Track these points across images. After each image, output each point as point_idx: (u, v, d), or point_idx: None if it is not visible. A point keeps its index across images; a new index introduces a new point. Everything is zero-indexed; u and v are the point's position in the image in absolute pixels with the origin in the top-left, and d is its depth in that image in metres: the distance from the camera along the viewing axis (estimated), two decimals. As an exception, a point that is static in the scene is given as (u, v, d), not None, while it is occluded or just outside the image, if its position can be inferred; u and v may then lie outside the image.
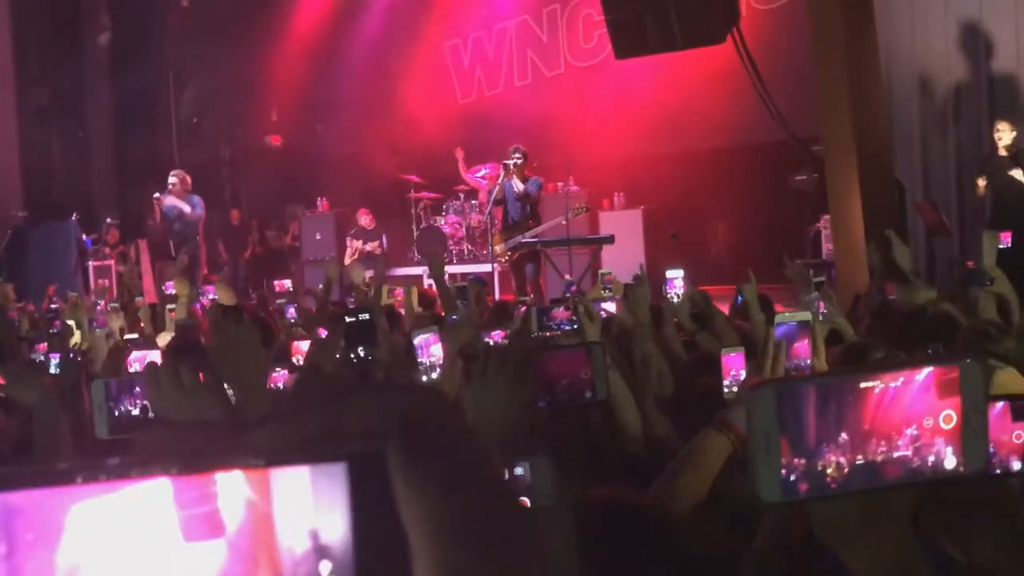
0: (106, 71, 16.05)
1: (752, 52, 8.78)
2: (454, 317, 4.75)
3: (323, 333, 4.43)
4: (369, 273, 10.59)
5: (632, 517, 1.87)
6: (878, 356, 3.30)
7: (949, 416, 1.04)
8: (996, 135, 8.82)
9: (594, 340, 3.18)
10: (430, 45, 15.30)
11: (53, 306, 7.23)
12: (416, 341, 3.54)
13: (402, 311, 5.98)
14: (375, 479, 0.53)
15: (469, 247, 12.75)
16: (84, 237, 12.99)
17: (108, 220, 13.94)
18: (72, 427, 2.73)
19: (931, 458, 1.04)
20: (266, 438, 0.56)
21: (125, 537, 0.52)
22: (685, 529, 1.98)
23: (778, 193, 11.23)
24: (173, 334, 5.51)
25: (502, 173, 10.64)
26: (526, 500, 1.09)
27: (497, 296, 10.53)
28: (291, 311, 5.90)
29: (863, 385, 1.03)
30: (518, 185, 10.49)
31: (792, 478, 1.01)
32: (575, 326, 4.18)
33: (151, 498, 0.52)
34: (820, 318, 3.84)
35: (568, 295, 6.88)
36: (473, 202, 12.96)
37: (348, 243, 13.27)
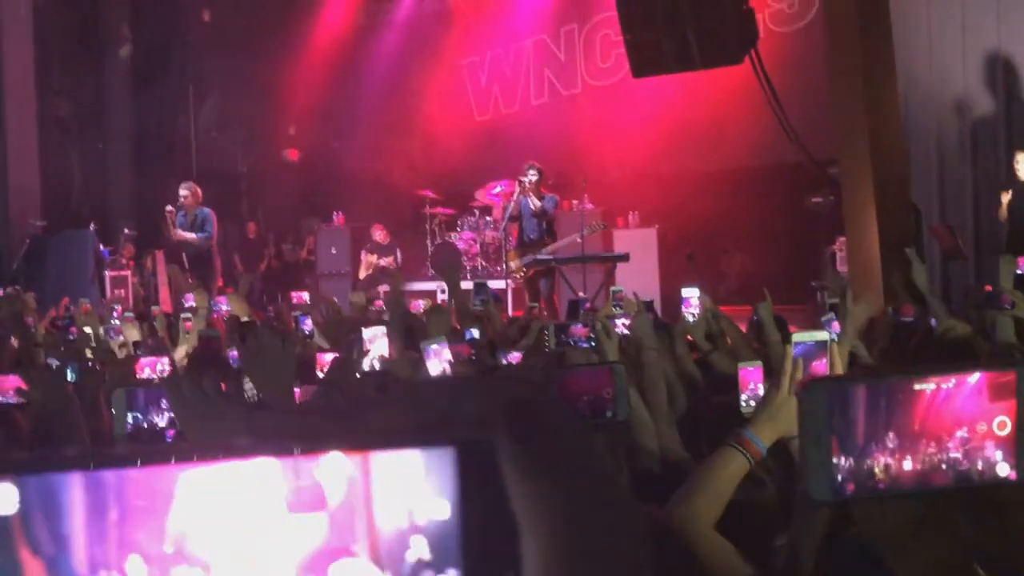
0: (126, 83, 16.15)
1: (769, 73, 8.78)
2: (473, 331, 4.77)
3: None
4: (384, 288, 10.62)
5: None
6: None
7: (1004, 422, 1.03)
8: (1016, 166, 8.82)
9: (617, 360, 3.18)
10: (448, 62, 15.35)
11: (68, 314, 7.25)
12: (429, 350, 3.56)
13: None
14: (482, 464, 0.55)
15: (483, 263, 12.77)
16: (101, 247, 13.04)
17: (125, 231, 14.00)
18: (91, 435, 2.75)
19: (980, 463, 1.03)
20: (378, 422, 0.58)
21: (232, 506, 0.55)
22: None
23: (794, 214, 11.20)
24: (191, 345, 5.52)
25: (517, 190, 10.66)
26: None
27: (510, 312, 10.52)
28: (307, 323, 5.90)
29: (916, 387, 1.02)
30: (534, 202, 10.51)
31: (842, 477, 1.01)
32: (592, 343, 4.17)
33: (258, 470, 0.55)
34: (834, 339, 3.82)
35: (582, 312, 6.88)
36: (487, 219, 12.98)
37: (362, 257, 13.30)
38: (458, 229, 13.24)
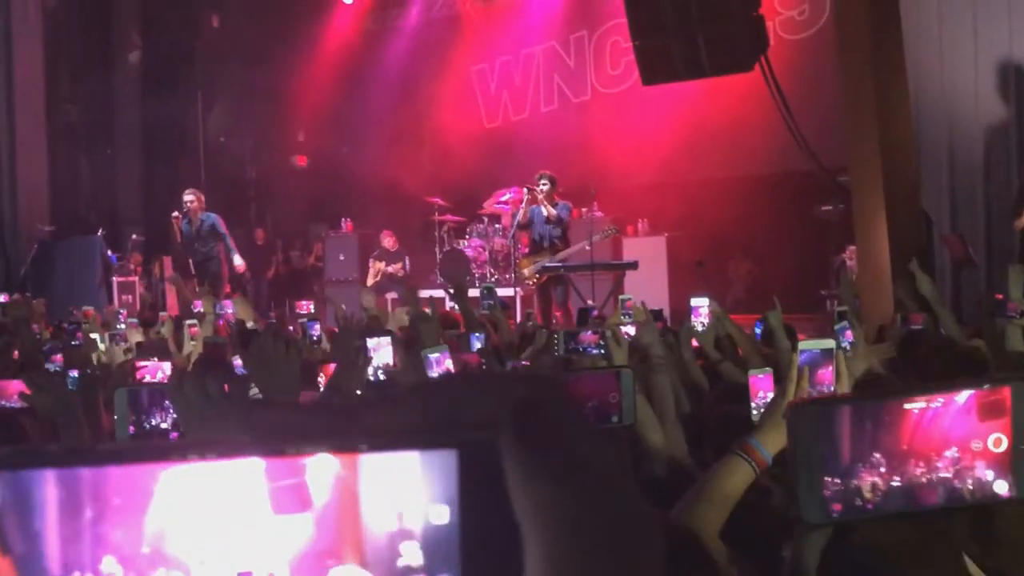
0: (136, 90, 16.22)
1: (779, 81, 8.76)
2: (478, 335, 4.75)
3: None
4: (392, 295, 10.60)
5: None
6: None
7: (999, 440, 1.01)
8: None
9: (624, 364, 3.15)
10: (457, 69, 15.38)
11: (74, 321, 7.26)
12: (431, 358, 3.55)
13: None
14: (485, 468, 0.53)
15: (492, 271, 12.74)
16: (109, 253, 13.08)
17: (133, 237, 14.04)
18: (92, 440, 2.75)
19: (973, 482, 1.01)
20: (379, 423, 0.55)
21: (213, 505, 0.53)
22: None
23: (803, 223, 11.19)
24: (197, 350, 5.52)
25: (526, 197, 10.67)
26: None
27: (519, 320, 10.50)
28: (315, 328, 5.88)
29: (905, 407, 1.00)
30: (548, 210, 10.53)
31: (832, 499, 0.99)
32: (602, 350, 4.15)
33: (242, 469, 0.53)
34: (847, 348, 3.80)
35: (590, 319, 6.87)
36: (496, 226, 12.96)
37: (370, 264, 13.30)
38: (467, 236, 13.22)
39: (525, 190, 10.73)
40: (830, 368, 2.93)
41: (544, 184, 10.46)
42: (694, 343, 4.42)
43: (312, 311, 9.02)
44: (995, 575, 1.39)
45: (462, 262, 12.81)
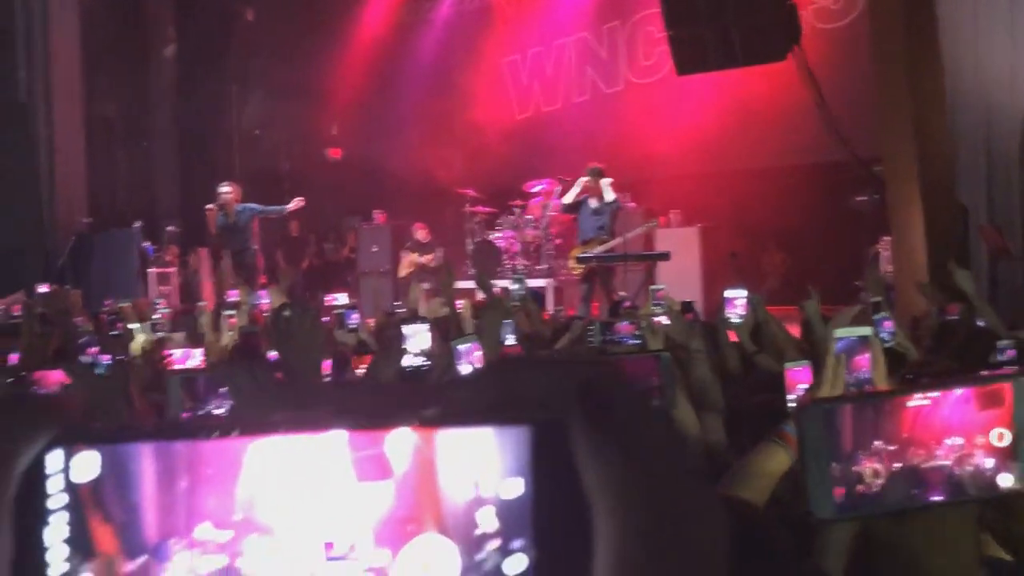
0: (171, 83, 16.34)
1: (813, 70, 8.70)
2: (508, 323, 4.76)
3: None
4: (426, 286, 10.64)
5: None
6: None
7: (1001, 434, 1.03)
8: None
9: (663, 348, 3.16)
10: (489, 61, 15.37)
11: (114, 312, 7.34)
12: (460, 349, 3.57)
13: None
14: (556, 444, 0.55)
15: (524, 262, 12.75)
16: (146, 244, 13.20)
17: (169, 228, 14.16)
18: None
19: (977, 475, 1.02)
20: (450, 400, 0.58)
21: (300, 473, 0.56)
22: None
23: (837, 213, 11.11)
24: (233, 339, 5.58)
25: (579, 183, 10.65)
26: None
27: (551, 312, 10.52)
28: (353, 317, 5.90)
29: (909, 404, 1.02)
30: (600, 198, 10.53)
31: (842, 495, 1.01)
32: (638, 340, 4.16)
33: (326, 440, 0.56)
34: (887, 338, 3.80)
35: (622, 310, 6.87)
36: (528, 217, 12.96)
37: (403, 256, 13.34)
38: (498, 228, 13.23)
39: (558, 181, 10.72)
40: (867, 355, 2.92)
41: (594, 175, 10.49)
42: (730, 335, 4.42)
43: (342, 301, 9.05)
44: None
45: (493, 254, 12.82)
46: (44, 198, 13.57)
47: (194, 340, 5.81)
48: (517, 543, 0.55)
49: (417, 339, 4.41)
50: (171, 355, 4.74)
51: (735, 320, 4.78)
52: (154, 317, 7.05)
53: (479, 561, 0.56)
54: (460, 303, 6.60)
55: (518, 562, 0.55)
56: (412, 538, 0.56)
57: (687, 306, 6.04)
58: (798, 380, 3.00)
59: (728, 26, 8.19)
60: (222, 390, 2.11)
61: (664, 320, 5.39)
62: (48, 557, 0.54)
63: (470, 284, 12.36)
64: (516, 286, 6.67)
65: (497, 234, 13.09)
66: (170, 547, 0.56)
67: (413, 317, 5.35)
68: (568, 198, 10.79)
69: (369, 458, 0.56)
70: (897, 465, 1.05)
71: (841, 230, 11.06)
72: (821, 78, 8.87)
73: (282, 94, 15.79)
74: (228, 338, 5.86)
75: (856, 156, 9.35)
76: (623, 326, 4.61)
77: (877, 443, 1.04)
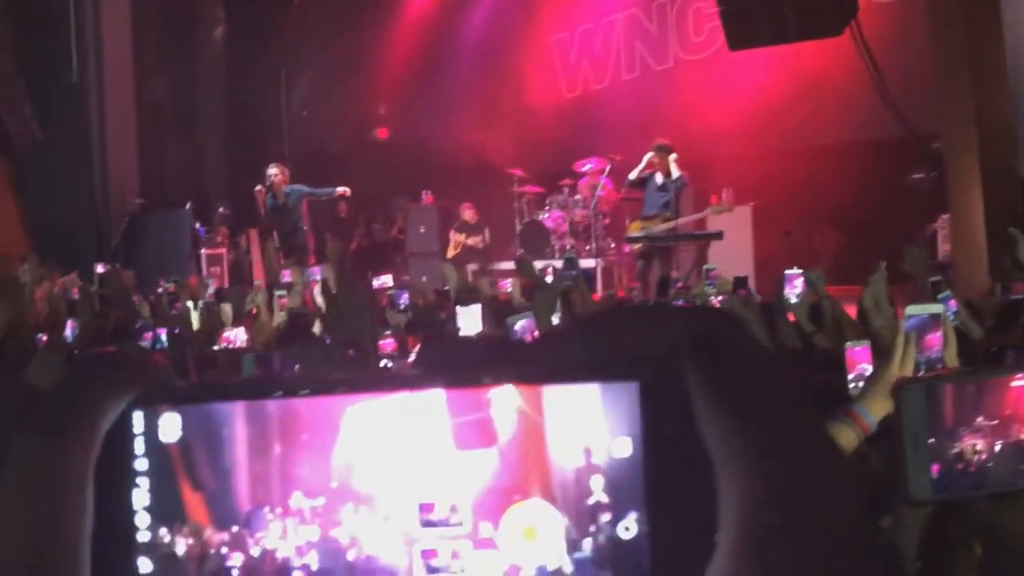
0: (220, 65, 16.47)
1: (869, 45, 8.56)
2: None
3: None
4: (473, 267, 10.65)
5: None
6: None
7: None
8: None
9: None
10: (537, 39, 15.31)
11: (173, 293, 7.44)
12: (516, 327, 3.56)
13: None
14: (668, 400, 0.51)
15: (572, 243, 12.69)
16: (197, 225, 13.34)
17: (220, 209, 14.30)
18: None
19: None
20: (551, 355, 0.54)
21: (398, 440, 0.53)
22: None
23: (893, 191, 10.94)
24: (283, 320, 5.61)
25: (646, 159, 10.64)
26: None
27: (600, 291, 10.48)
28: (404, 297, 5.89)
29: (1013, 384, 0.99)
30: (664, 176, 10.54)
31: (940, 476, 0.97)
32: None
33: (425, 404, 0.53)
34: (951, 317, 3.71)
35: (673, 290, 6.83)
36: (576, 197, 12.88)
37: (451, 237, 13.34)
38: (547, 207, 13.17)
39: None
40: (938, 333, 2.85)
41: (661, 152, 10.52)
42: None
43: (387, 284, 9.08)
44: None
45: (542, 234, 12.78)
46: (97, 180, 13.75)
47: (240, 316, 5.86)
48: (630, 509, 0.52)
49: (469, 319, 4.40)
50: (227, 334, 4.78)
51: (793, 300, 4.71)
52: (205, 297, 7.11)
53: (590, 532, 0.53)
54: (507, 283, 6.59)
55: (631, 530, 0.52)
56: (517, 506, 0.54)
57: (740, 282, 5.98)
58: (858, 360, 2.95)
59: (782, 0, 8.05)
60: (296, 367, 2.13)
61: (716, 300, 5.34)
62: (136, 522, 0.52)
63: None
64: (566, 267, 6.62)
65: (545, 214, 13.04)
66: (264, 516, 0.53)
67: (466, 297, 5.34)
68: (634, 174, 10.85)
69: (471, 423, 0.53)
70: (1001, 442, 1.00)
71: (897, 208, 10.88)
72: (877, 52, 8.73)
73: (330, 75, 15.87)
74: (279, 318, 5.90)
75: (913, 132, 9.22)
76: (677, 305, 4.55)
77: (986, 434, 1.00)
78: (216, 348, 4.80)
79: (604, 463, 0.52)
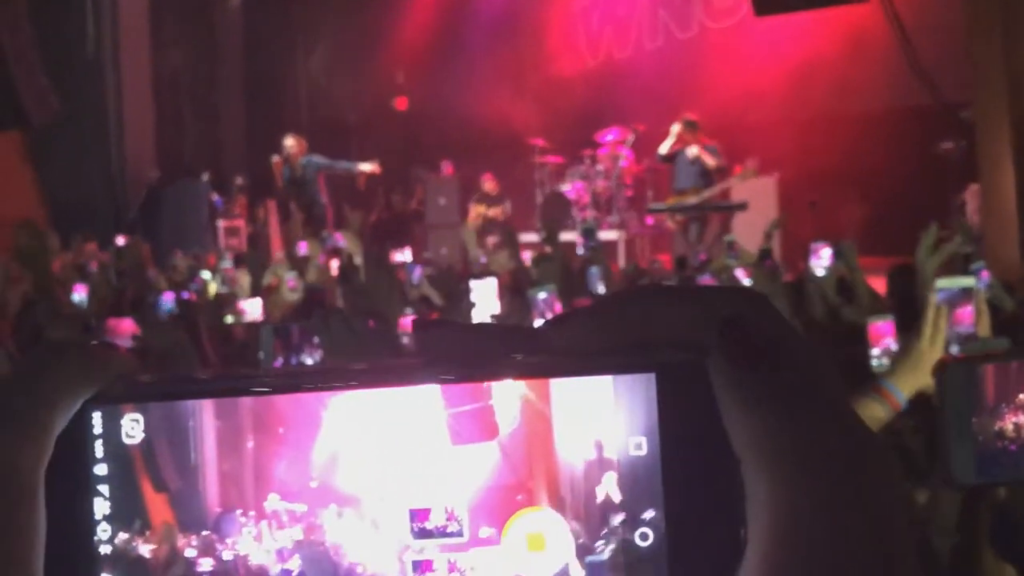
0: (237, 35, 16.47)
1: (898, 10, 8.45)
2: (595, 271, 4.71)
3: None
4: (493, 239, 10.62)
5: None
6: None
7: None
8: None
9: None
10: (559, 6, 15.27)
11: (194, 265, 7.49)
12: (538, 298, 3.56)
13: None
14: (687, 391, 0.46)
15: (594, 214, 12.62)
16: (214, 196, 13.37)
17: (238, 180, 14.33)
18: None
19: None
20: (561, 342, 0.48)
21: (389, 432, 0.49)
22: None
23: (922, 161, 10.84)
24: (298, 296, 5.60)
25: (674, 133, 10.59)
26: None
27: (622, 264, 10.43)
28: (417, 272, 5.88)
29: None
30: (693, 151, 10.55)
31: (985, 460, 0.95)
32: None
33: (419, 393, 0.48)
34: (983, 288, 3.65)
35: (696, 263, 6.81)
36: (598, 168, 12.80)
37: (471, 208, 13.30)
38: (568, 178, 13.10)
39: (631, 131, 10.70)
40: (969, 307, 2.80)
41: (688, 126, 10.55)
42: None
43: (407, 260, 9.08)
44: None
45: (563, 205, 12.73)
46: (114, 152, 13.82)
47: (258, 288, 5.86)
48: (646, 511, 0.47)
49: (485, 294, 4.34)
50: (242, 304, 4.77)
51: (820, 272, 4.68)
52: (222, 270, 7.12)
53: (602, 535, 0.48)
54: (527, 255, 6.56)
55: (648, 535, 0.47)
56: (521, 509, 0.48)
57: (765, 253, 5.94)
58: (882, 334, 2.93)
59: (809, -36, 7.97)
60: (315, 340, 2.13)
61: (739, 272, 5.30)
62: (96, 531, 0.47)
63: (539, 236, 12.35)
64: (588, 242, 6.56)
65: (567, 185, 12.97)
66: (236, 519, 0.48)
67: (481, 272, 5.31)
68: (664, 148, 10.81)
69: (468, 414, 0.48)
70: None
71: (926, 178, 10.79)
72: (906, 18, 8.63)
73: (348, 44, 15.85)
74: (291, 296, 5.89)
75: (942, 100, 9.13)
76: (704, 280, 4.54)
77: (1022, 396, 0.97)
78: (232, 320, 4.80)
79: (618, 459, 0.48)
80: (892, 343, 2.98)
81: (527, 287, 4.31)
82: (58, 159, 12.55)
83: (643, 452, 0.47)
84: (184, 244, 10.03)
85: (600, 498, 0.48)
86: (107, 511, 0.47)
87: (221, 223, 13.08)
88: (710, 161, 10.53)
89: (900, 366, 2.14)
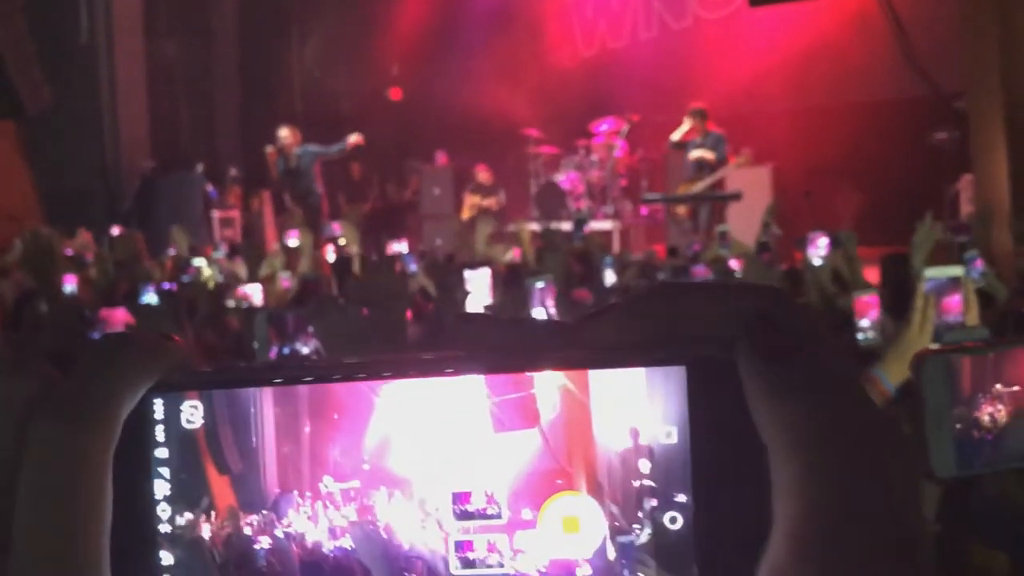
0: (232, 26, 16.40)
1: (892, 1, 8.45)
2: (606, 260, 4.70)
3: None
4: (488, 229, 10.61)
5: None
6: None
7: None
8: None
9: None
10: (552, -3, 15.20)
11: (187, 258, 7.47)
12: (536, 288, 3.56)
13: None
14: (715, 383, 0.48)
15: (589, 204, 12.62)
16: (209, 188, 13.34)
17: (232, 172, 14.29)
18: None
19: None
20: (594, 336, 0.51)
21: (433, 421, 0.51)
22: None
23: (916, 151, 10.85)
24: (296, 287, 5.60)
25: (686, 124, 10.76)
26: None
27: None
28: (413, 263, 5.88)
29: None
30: (694, 155, 10.82)
31: (963, 451, 0.96)
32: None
33: (464, 383, 0.51)
34: (976, 277, 3.68)
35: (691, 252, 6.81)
36: (592, 158, 12.80)
37: (465, 198, 13.29)
38: (562, 169, 13.09)
39: (626, 121, 10.72)
40: (957, 296, 2.82)
41: (696, 117, 10.72)
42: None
43: (402, 251, 9.07)
44: None
45: (558, 196, 12.73)
46: (108, 143, 13.77)
47: (254, 277, 5.86)
48: (677, 497, 0.49)
49: (479, 285, 4.35)
50: (243, 289, 4.77)
51: (816, 262, 4.69)
52: (215, 260, 7.12)
53: (637, 517, 0.50)
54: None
55: (677, 519, 0.49)
56: (557, 493, 0.51)
57: (763, 246, 5.94)
58: (867, 307, 2.97)
59: (804, -45, 7.96)
60: (310, 328, 2.11)
61: (733, 262, 5.31)
62: (158, 513, 0.50)
63: (535, 227, 12.34)
64: (579, 233, 6.57)
65: (561, 175, 12.97)
66: (293, 500, 0.51)
67: (475, 262, 5.31)
68: (676, 135, 10.90)
69: (511, 403, 0.50)
70: (1019, 409, 0.99)
71: (920, 169, 10.80)
72: (900, 8, 8.64)
73: (343, 34, 15.80)
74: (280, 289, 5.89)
75: (936, 90, 9.13)
76: (698, 269, 4.54)
77: (998, 386, 0.98)
78: (231, 305, 4.80)
79: (651, 446, 0.50)
80: (875, 314, 3.04)
81: (525, 278, 4.32)
82: (52, 150, 12.50)
83: (674, 440, 0.49)
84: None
85: (635, 480, 0.50)
86: (167, 492, 0.50)
87: (216, 214, 13.05)
88: (709, 156, 10.58)
89: (889, 354, 2.16)
